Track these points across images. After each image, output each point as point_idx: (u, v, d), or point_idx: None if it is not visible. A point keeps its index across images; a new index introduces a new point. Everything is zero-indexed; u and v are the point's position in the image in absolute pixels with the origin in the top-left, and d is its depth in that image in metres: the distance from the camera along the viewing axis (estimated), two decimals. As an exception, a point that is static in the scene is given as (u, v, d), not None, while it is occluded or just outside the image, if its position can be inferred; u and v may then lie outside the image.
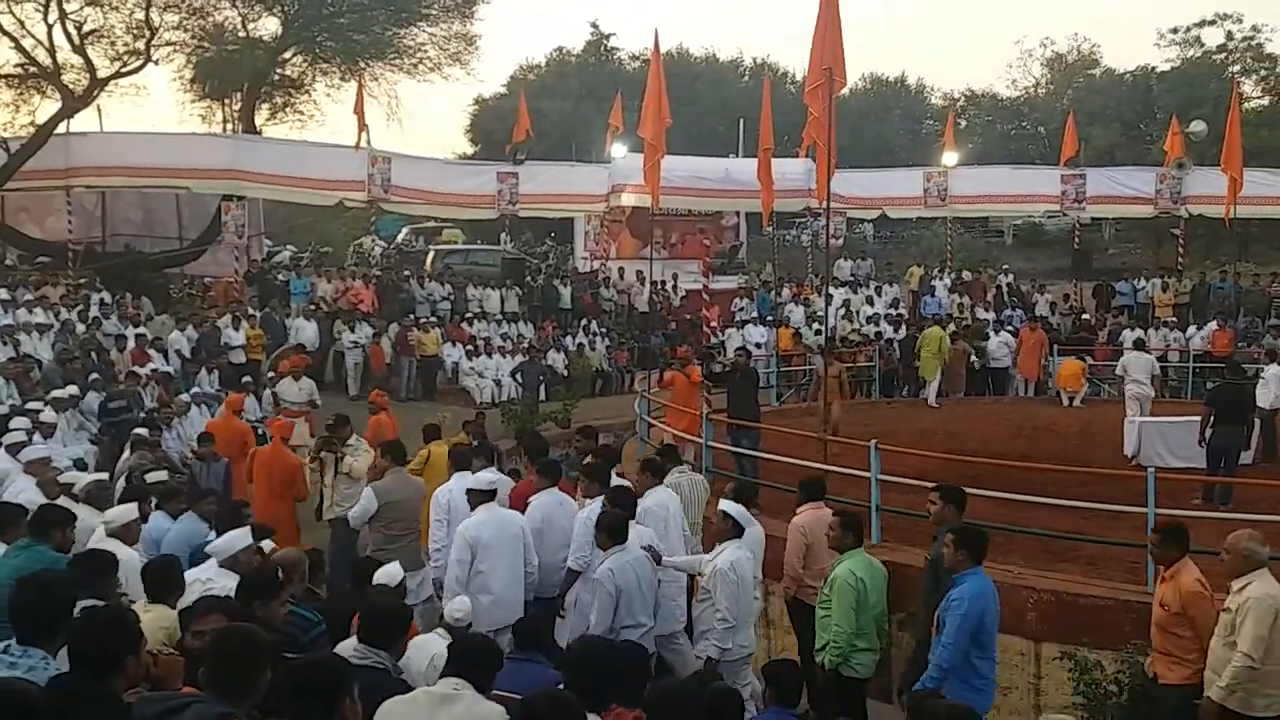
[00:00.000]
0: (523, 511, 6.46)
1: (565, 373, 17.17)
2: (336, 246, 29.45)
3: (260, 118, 21.00)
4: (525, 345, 17.33)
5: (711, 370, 11.98)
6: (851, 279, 21.66)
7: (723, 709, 3.49)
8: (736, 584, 5.55)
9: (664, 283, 20.63)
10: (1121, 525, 7.39)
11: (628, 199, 20.86)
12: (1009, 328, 18.01)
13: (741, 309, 19.88)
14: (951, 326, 17.02)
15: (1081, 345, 17.58)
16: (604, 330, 19.00)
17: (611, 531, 5.52)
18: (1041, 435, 13.44)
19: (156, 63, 18.84)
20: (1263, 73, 32.57)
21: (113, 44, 18.27)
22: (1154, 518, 6.68)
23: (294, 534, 7.55)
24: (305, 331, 15.75)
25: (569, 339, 18.29)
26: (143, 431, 8.84)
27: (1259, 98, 31.99)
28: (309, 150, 19.30)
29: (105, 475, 7.35)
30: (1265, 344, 16.50)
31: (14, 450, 7.55)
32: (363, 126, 18.88)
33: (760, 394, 12.25)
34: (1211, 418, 9.86)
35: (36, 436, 8.21)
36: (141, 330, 13.69)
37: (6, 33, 16.83)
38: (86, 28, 17.29)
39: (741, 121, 30.59)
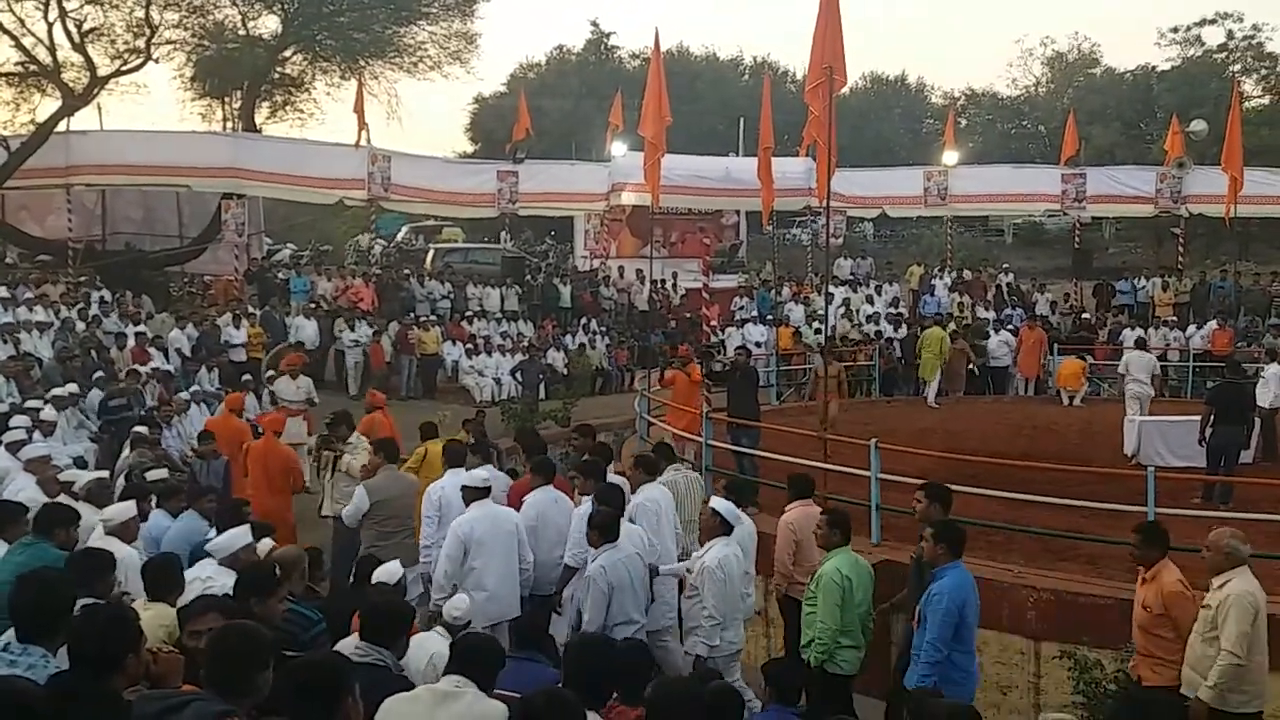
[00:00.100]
0: (519, 510, 6.46)
1: (565, 371, 17.17)
2: (336, 245, 29.47)
3: (260, 116, 21.01)
4: (525, 344, 17.33)
5: (711, 369, 11.97)
6: (851, 278, 21.66)
7: (723, 708, 3.49)
8: (724, 581, 5.57)
9: (664, 281, 20.63)
10: (1121, 524, 7.35)
11: (628, 197, 20.85)
12: (1009, 327, 18.01)
13: (741, 308, 19.88)
14: (952, 326, 17.02)
15: (1082, 344, 17.58)
16: (604, 329, 19.00)
17: (603, 529, 5.55)
18: (1041, 434, 13.44)
19: (157, 61, 18.86)
20: (1263, 72, 32.57)
21: (113, 42, 18.28)
22: (1154, 517, 6.69)
23: (290, 528, 7.55)
24: (305, 330, 15.75)
25: (569, 338, 18.28)
26: (143, 429, 8.84)
27: (1259, 97, 31.99)
28: (309, 149, 19.29)
29: (105, 473, 7.35)
30: (1265, 343, 16.50)
31: (14, 448, 7.55)
32: (363, 125, 18.88)
33: (760, 393, 12.25)
34: (1211, 417, 9.86)
35: (36, 434, 8.21)
36: (141, 328, 13.69)
37: (7, 31, 16.83)
38: (86, 26, 17.29)
39: (741, 120, 30.60)
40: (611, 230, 22.75)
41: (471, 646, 3.61)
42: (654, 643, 5.92)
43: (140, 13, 17.81)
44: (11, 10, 16.67)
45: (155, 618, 3.95)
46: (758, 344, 17.04)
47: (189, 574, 4.65)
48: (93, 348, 12.39)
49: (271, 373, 12.55)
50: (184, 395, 11.17)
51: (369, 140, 18.99)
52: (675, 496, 6.85)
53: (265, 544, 5.16)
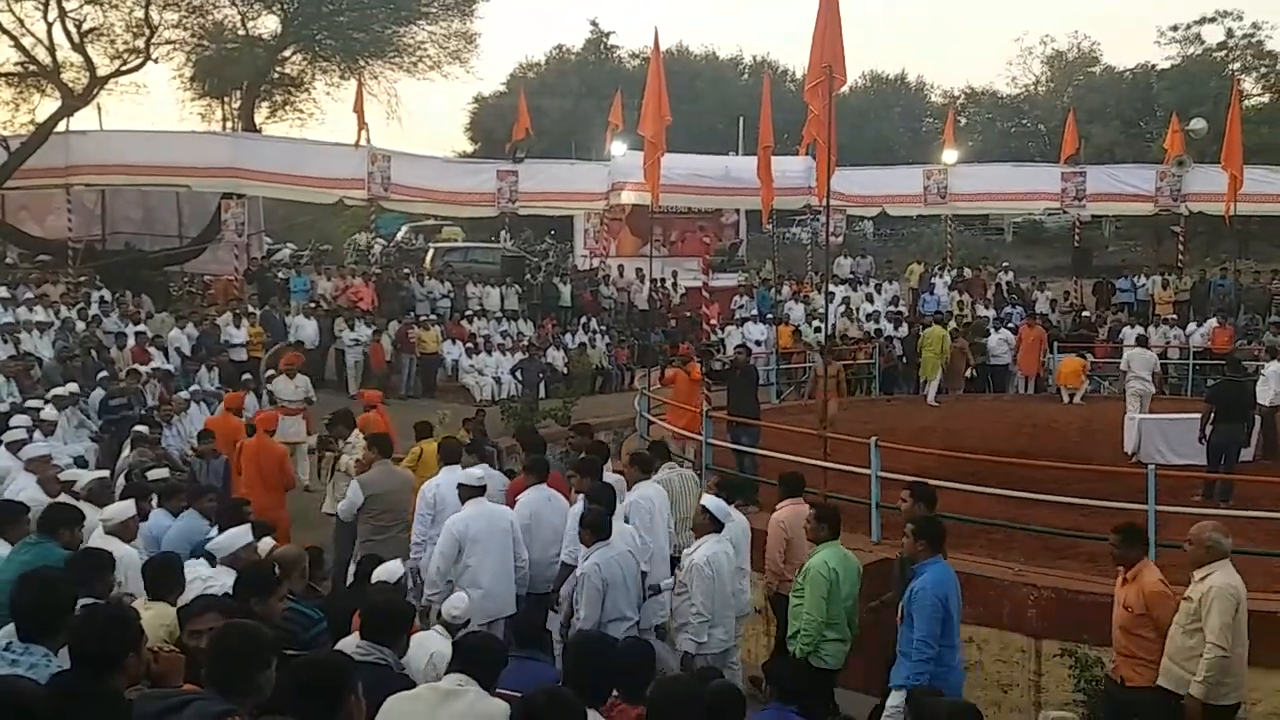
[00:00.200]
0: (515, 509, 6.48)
1: (565, 370, 17.18)
2: (336, 245, 29.46)
3: (260, 116, 21.00)
4: (525, 343, 17.33)
5: (711, 368, 11.98)
6: (851, 277, 21.66)
7: (724, 707, 3.49)
8: (712, 579, 5.58)
9: (664, 280, 20.63)
10: (1122, 522, 7.38)
11: (627, 197, 20.85)
12: (1009, 325, 18.01)
13: (741, 306, 19.88)
14: (952, 324, 17.02)
15: (1082, 342, 17.57)
16: (604, 328, 19.00)
17: (595, 527, 5.57)
18: (1042, 432, 13.44)
19: (156, 61, 18.86)
20: (1263, 70, 32.56)
21: (112, 42, 18.28)
22: (1154, 515, 6.70)
23: (284, 527, 7.56)
24: (305, 329, 15.76)
25: (569, 337, 18.29)
26: (143, 429, 8.86)
27: (1259, 95, 31.98)
28: (309, 148, 19.29)
29: (106, 473, 7.35)
30: (1265, 341, 16.49)
31: (15, 448, 7.56)
32: (362, 125, 18.88)
33: (760, 391, 12.25)
34: (1212, 415, 9.86)
35: (37, 434, 8.22)
36: (142, 328, 13.69)
37: (6, 31, 16.83)
38: (86, 26, 17.30)
39: (741, 119, 30.60)
40: (611, 229, 22.75)
41: (474, 645, 3.62)
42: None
43: (140, 13, 17.82)
44: (11, 10, 16.69)
45: (156, 617, 3.95)
46: (758, 343, 17.04)
47: (189, 573, 4.65)
48: (93, 347, 12.40)
49: (271, 372, 12.56)
50: (184, 395, 11.18)
51: (369, 140, 19.00)
52: (670, 495, 6.87)
53: (266, 543, 5.16)
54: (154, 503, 6.45)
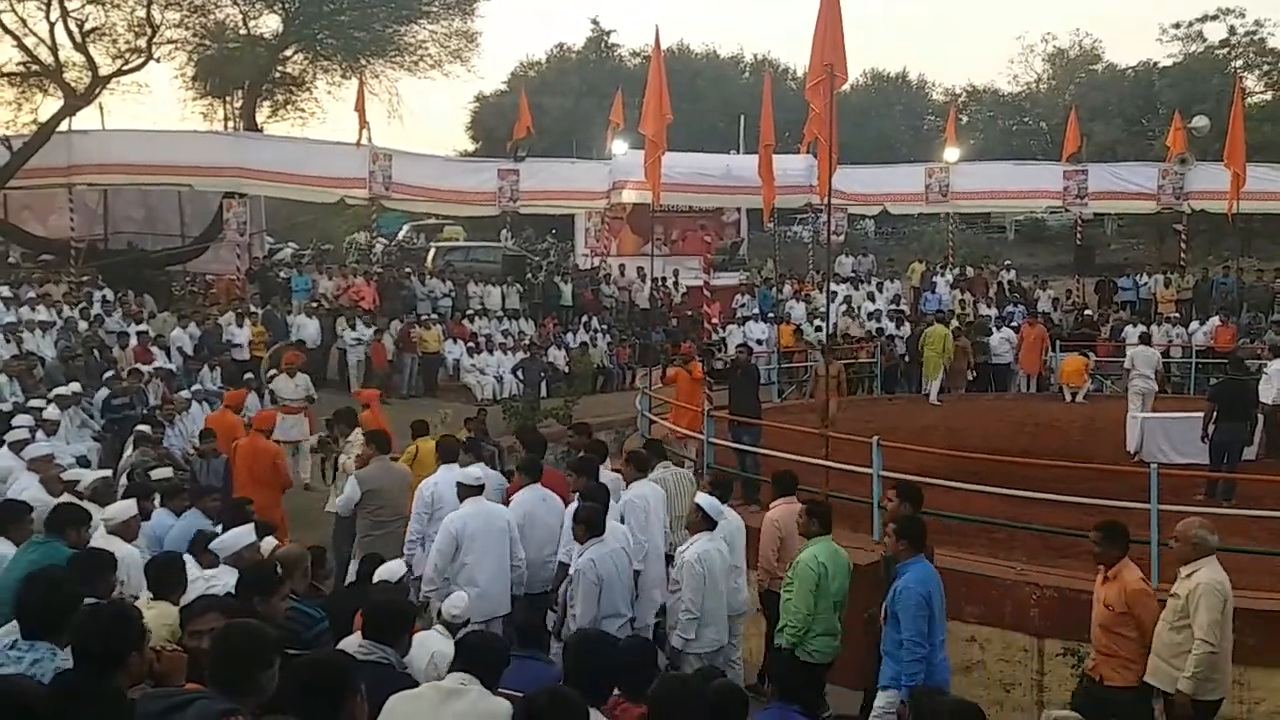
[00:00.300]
0: (511, 509, 6.51)
1: (566, 369, 17.18)
2: (338, 244, 29.47)
3: (261, 115, 21.02)
4: (526, 342, 17.34)
5: (713, 367, 11.98)
6: (853, 275, 21.64)
7: (726, 706, 3.49)
8: (703, 577, 5.59)
9: (665, 279, 20.62)
10: (1125, 522, 7.38)
11: (629, 195, 20.84)
12: (1011, 324, 17.99)
13: (743, 305, 19.87)
14: (954, 323, 17.00)
15: (1084, 341, 17.55)
16: (605, 327, 19.00)
17: (589, 524, 5.61)
18: (1044, 431, 13.42)
19: (158, 60, 18.88)
20: (1265, 68, 32.47)
21: (114, 42, 18.29)
22: (1157, 514, 6.69)
23: (282, 524, 7.57)
24: (307, 329, 15.77)
25: (570, 336, 18.29)
26: (145, 428, 8.87)
27: (1261, 93, 31.92)
28: (310, 148, 19.29)
29: (109, 472, 7.37)
30: (1268, 339, 16.46)
31: (17, 448, 7.57)
32: (364, 124, 18.88)
33: (761, 390, 12.24)
34: (1214, 413, 9.85)
35: (40, 434, 8.23)
36: (144, 327, 13.71)
37: (9, 31, 16.85)
38: (88, 26, 17.31)
39: (742, 118, 30.54)
40: (612, 228, 22.74)
41: (476, 645, 3.62)
42: None
43: (141, 12, 17.83)
44: (14, 10, 16.71)
45: (159, 616, 3.96)
46: (759, 342, 17.04)
47: (192, 573, 4.66)
48: (95, 347, 12.41)
49: (273, 371, 12.58)
50: (184, 394, 11.18)
51: (370, 139, 19.01)
52: (666, 494, 6.88)
53: (268, 543, 5.17)
54: (156, 502, 6.46)
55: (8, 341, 11.76)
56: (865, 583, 6.01)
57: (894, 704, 4.98)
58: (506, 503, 6.69)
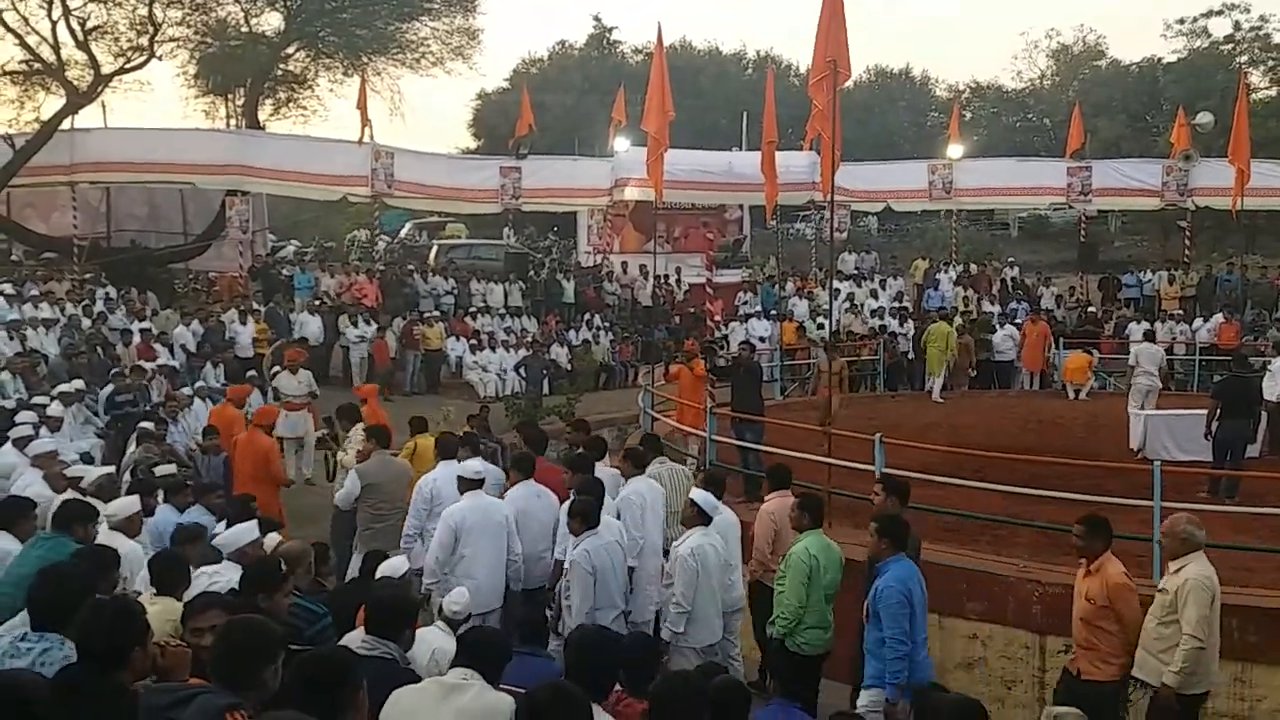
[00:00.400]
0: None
1: (569, 367, 17.19)
2: (340, 242, 29.51)
3: (264, 113, 21.01)
4: (529, 339, 17.35)
5: (715, 364, 11.98)
6: (856, 272, 21.63)
7: (728, 703, 3.49)
8: (696, 571, 5.61)
9: (667, 277, 20.62)
10: (1128, 519, 7.36)
11: (631, 193, 20.83)
12: (1014, 321, 17.98)
13: (745, 303, 19.86)
14: (958, 320, 16.97)
15: (1087, 338, 17.52)
16: (607, 324, 19.01)
17: (584, 517, 5.64)
18: (1047, 428, 13.40)
19: (160, 58, 18.84)
20: (1270, 63, 32.39)
21: (116, 40, 18.28)
22: (1160, 511, 6.68)
23: (280, 519, 7.59)
24: (309, 326, 15.79)
25: (572, 333, 18.30)
26: (149, 425, 8.89)
27: (1266, 89, 31.84)
28: (312, 145, 19.31)
29: (112, 469, 7.39)
30: (1271, 336, 16.44)
31: (21, 444, 7.59)
32: (366, 121, 18.89)
33: (764, 388, 12.24)
34: (1218, 411, 9.82)
35: (43, 430, 8.25)
36: (147, 325, 13.75)
37: (11, 29, 16.85)
38: (90, 24, 17.31)
39: (745, 114, 30.50)
40: (615, 225, 22.74)
41: (478, 640, 3.63)
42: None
43: (143, 10, 17.84)
44: (15, 9, 16.71)
45: (162, 612, 3.96)
46: (761, 339, 17.03)
47: (196, 569, 4.66)
48: (98, 344, 12.44)
49: (276, 368, 12.61)
50: (185, 391, 11.19)
51: (372, 137, 19.01)
52: (662, 489, 6.89)
53: (272, 538, 5.18)
54: (159, 499, 6.47)
55: (11, 339, 11.79)
56: (861, 577, 6.00)
57: (878, 702, 5.01)
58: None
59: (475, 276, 19.78)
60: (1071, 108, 24.05)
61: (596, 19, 43.55)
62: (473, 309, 18.40)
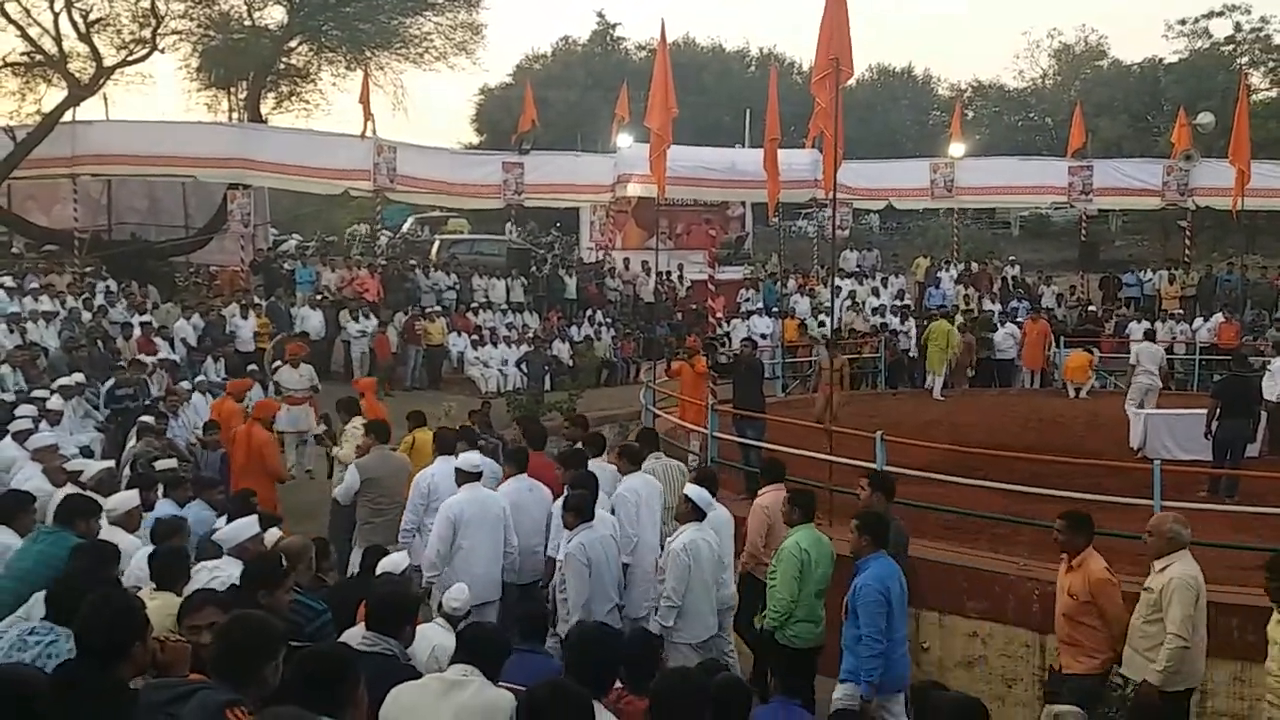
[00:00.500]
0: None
1: (570, 363, 17.19)
2: (342, 236, 29.48)
3: (266, 107, 21.00)
4: (530, 335, 17.34)
5: (717, 361, 11.97)
6: (857, 270, 21.61)
7: (730, 701, 3.50)
8: (688, 566, 5.62)
9: (669, 273, 20.61)
10: (1128, 518, 7.37)
11: (633, 189, 20.81)
12: (1015, 319, 17.97)
13: (747, 300, 19.85)
14: (960, 318, 16.96)
15: (1088, 337, 17.51)
16: (609, 320, 19.01)
17: (578, 510, 5.67)
18: (1047, 427, 13.39)
19: (162, 51, 18.83)
20: (1271, 64, 32.34)
21: (118, 32, 18.26)
22: (1160, 510, 6.67)
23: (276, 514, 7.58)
24: (310, 320, 15.78)
25: (574, 329, 18.30)
26: (149, 419, 8.88)
27: (1267, 89, 31.80)
28: (315, 139, 19.27)
29: (112, 463, 7.38)
30: (1271, 336, 16.43)
31: (21, 438, 7.58)
32: (368, 116, 18.87)
33: (766, 385, 12.24)
34: (1218, 410, 9.82)
35: (43, 424, 8.24)
36: (148, 318, 13.73)
37: (13, 21, 16.83)
38: (92, 16, 17.29)
39: (748, 112, 30.45)
40: (617, 222, 22.72)
41: (478, 636, 3.64)
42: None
43: (146, 3, 17.81)
44: (18, 1, 16.68)
45: (162, 607, 3.96)
46: (763, 336, 17.02)
47: (197, 564, 4.67)
48: (99, 337, 12.42)
49: (278, 363, 12.62)
50: (184, 385, 11.17)
51: (374, 131, 18.97)
52: (659, 485, 6.90)
53: (272, 534, 5.18)
54: (159, 493, 6.46)
55: (11, 332, 11.78)
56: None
57: (853, 697, 5.07)
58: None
59: (477, 272, 19.77)
60: (1073, 107, 24.02)
61: (600, 15, 43.44)
62: (474, 304, 18.39)
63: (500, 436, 10.68)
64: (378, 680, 3.27)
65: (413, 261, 20.51)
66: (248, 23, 20.35)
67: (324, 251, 23.06)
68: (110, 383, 10.61)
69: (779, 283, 20.40)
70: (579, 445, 7.31)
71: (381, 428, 7.63)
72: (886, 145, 32.74)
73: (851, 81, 11.02)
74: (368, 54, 21.09)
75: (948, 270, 21.31)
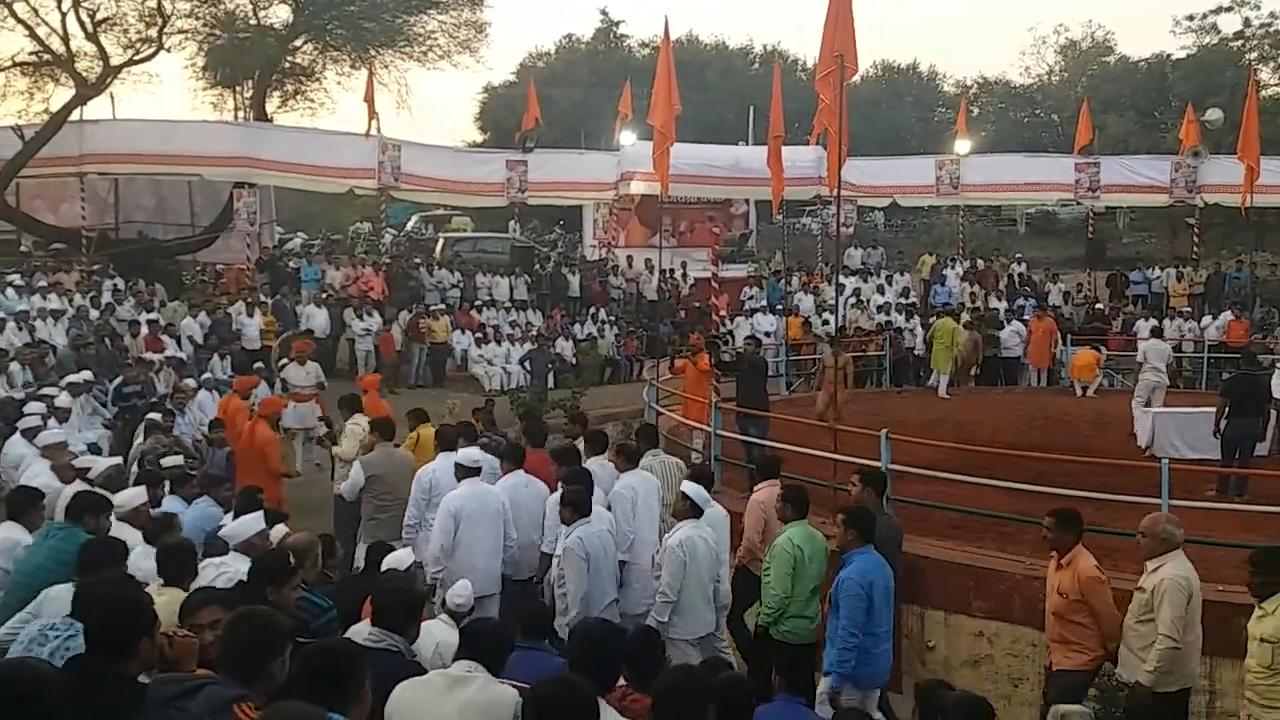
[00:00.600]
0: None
1: (574, 361, 17.19)
2: (346, 234, 29.54)
3: (271, 105, 21.04)
4: (534, 333, 17.35)
5: (720, 359, 11.97)
6: (862, 268, 21.56)
7: (733, 699, 3.50)
8: (684, 562, 5.63)
9: (673, 271, 20.59)
10: (1135, 516, 7.33)
11: (637, 187, 20.79)
12: (1021, 317, 17.92)
13: (751, 297, 19.82)
14: (965, 316, 16.92)
15: (1095, 335, 17.46)
16: (613, 318, 19.00)
17: (575, 505, 5.70)
18: (1054, 425, 13.36)
19: (169, 50, 18.90)
20: (1280, 60, 32.18)
21: (125, 32, 18.34)
22: (1168, 509, 6.65)
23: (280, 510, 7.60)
24: (316, 318, 15.81)
25: (578, 327, 18.29)
26: (156, 416, 8.91)
27: (1276, 85, 31.60)
28: (320, 138, 19.31)
29: (120, 460, 7.41)
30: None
31: (30, 435, 7.61)
32: (373, 114, 18.90)
33: (770, 383, 12.23)
34: (1226, 408, 9.80)
35: (52, 421, 8.27)
36: (155, 316, 13.77)
37: (21, 20, 16.90)
38: (99, 15, 17.38)
39: (751, 109, 30.40)
40: (620, 219, 22.71)
41: (481, 633, 3.65)
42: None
43: (152, 2, 17.87)
44: (26, 1, 16.76)
45: (169, 603, 3.97)
46: (767, 334, 17.01)
47: (204, 561, 4.69)
48: (106, 335, 12.48)
49: (284, 360, 12.66)
50: (190, 382, 11.21)
51: (379, 129, 19.00)
52: (657, 482, 6.92)
53: (279, 530, 5.19)
54: (166, 490, 6.49)
55: (20, 329, 11.84)
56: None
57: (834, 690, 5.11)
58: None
59: (481, 270, 19.78)
60: (1080, 104, 23.91)
61: (603, 13, 43.33)
62: (478, 302, 18.40)
63: (503, 434, 10.69)
64: (383, 676, 3.27)
65: (417, 260, 20.53)
66: (253, 22, 20.39)
67: (329, 250, 23.13)
68: (118, 380, 10.66)
69: (783, 280, 20.38)
70: (574, 442, 7.34)
71: (387, 425, 7.68)
72: (891, 142, 32.66)
73: (856, 78, 11.00)
74: (372, 53, 21.12)
75: (953, 268, 21.25)
